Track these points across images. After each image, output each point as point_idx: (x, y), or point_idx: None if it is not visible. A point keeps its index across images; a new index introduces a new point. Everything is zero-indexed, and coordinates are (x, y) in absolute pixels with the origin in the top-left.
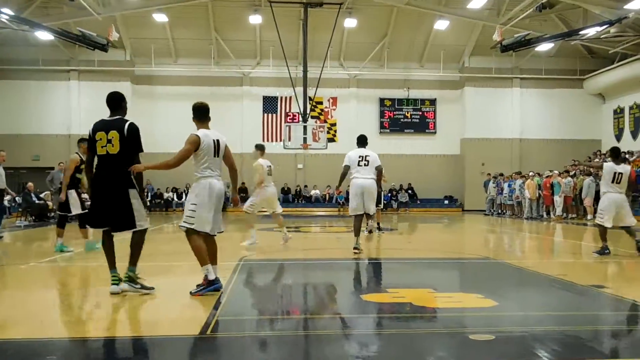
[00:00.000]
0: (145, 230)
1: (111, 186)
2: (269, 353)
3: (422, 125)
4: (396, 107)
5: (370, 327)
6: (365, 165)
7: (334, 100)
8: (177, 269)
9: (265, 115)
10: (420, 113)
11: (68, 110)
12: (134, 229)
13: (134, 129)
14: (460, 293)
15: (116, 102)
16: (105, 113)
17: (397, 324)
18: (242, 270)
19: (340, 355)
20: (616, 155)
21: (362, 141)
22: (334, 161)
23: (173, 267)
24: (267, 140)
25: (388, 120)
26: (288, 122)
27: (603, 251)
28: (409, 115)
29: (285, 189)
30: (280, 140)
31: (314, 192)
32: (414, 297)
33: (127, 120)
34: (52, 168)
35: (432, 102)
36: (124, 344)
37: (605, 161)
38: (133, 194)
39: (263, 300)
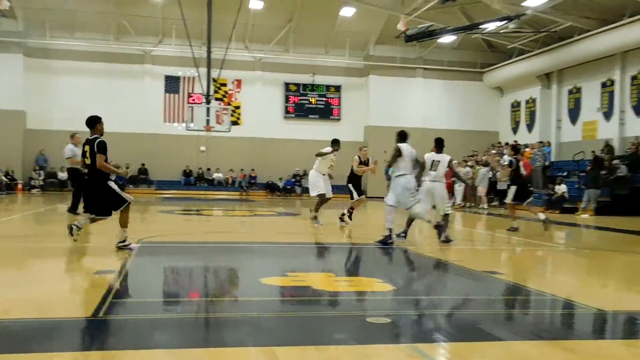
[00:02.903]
0: None
1: None
2: (166, 336)
3: (327, 112)
4: (301, 92)
5: (269, 310)
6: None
7: (239, 83)
8: (72, 250)
9: (167, 95)
10: (325, 99)
11: None
12: None
13: None
14: (360, 277)
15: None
16: None
17: (296, 307)
18: (140, 252)
19: (238, 339)
20: (439, 145)
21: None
22: (238, 144)
23: (68, 248)
24: (169, 121)
25: (293, 105)
26: (191, 103)
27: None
28: (313, 101)
29: (187, 171)
30: (183, 122)
31: (217, 175)
32: (314, 281)
33: None
34: None
35: (337, 88)
36: (12, 326)
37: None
38: None
39: (160, 283)
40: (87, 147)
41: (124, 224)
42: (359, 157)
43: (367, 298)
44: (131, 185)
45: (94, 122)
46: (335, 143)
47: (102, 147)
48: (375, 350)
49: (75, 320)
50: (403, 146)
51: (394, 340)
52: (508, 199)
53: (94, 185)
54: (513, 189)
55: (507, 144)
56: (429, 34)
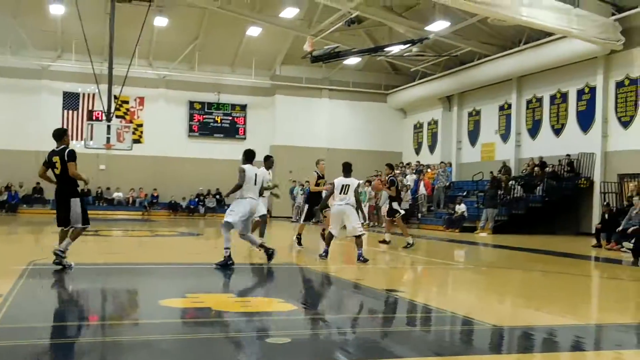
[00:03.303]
0: None
1: None
2: None
3: (233, 131)
4: (206, 110)
5: (167, 332)
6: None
7: (141, 100)
8: None
9: (66, 112)
10: (231, 118)
11: None
12: None
13: None
14: (261, 297)
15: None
16: None
17: (195, 329)
18: (30, 274)
19: None
20: (347, 170)
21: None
22: (140, 163)
23: None
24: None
25: (198, 123)
26: (90, 120)
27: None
28: (219, 119)
29: (85, 190)
30: (82, 139)
31: (117, 195)
32: (214, 301)
33: None
34: None
35: (243, 107)
36: None
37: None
38: None
39: (53, 307)
40: (56, 158)
41: (73, 238)
42: (317, 172)
43: (267, 318)
44: (25, 205)
45: (61, 134)
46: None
47: (73, 156)
48: None
49: None
50: (247, 167)
51: (293, 359)
52: (389, 215)
53: (64, 196)
54: (395, 205)
55: (408, 164)
56: (335, 55)
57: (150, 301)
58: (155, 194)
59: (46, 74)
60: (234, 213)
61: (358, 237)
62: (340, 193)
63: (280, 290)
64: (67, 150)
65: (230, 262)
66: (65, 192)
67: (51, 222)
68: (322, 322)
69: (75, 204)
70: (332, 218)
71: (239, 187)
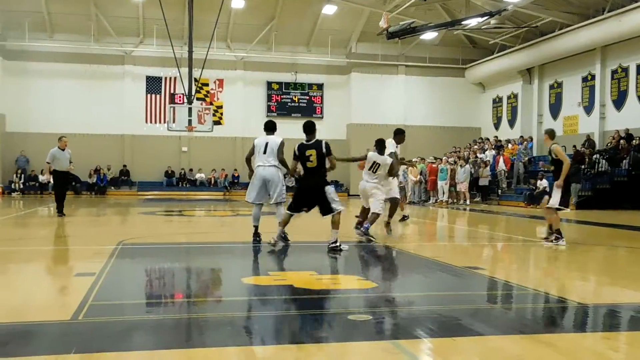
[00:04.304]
0: None
1: None
2: (146, 337)
3: (310, 110)
4: (284, 90)
5: (250, 309)
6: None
7: (221, 82)
8: (52, 253)
9: (149, 95)
10: (308, 97)
11: None
12: None
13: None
14: (341, 275)
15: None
16: None
17: (278, 306)
18: (120, 254)
19: (219, 339)
20: (380, 147)
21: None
22: (220, 144)
23: (48, 251)
24: (150, 122)
25: (275, 103)
26: (172, 103)
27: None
28: (296, 99)
29: (169, 172)
30: (164, 122)
31: (199, 176)
32: (296, 279)
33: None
34: None
35: (320, 86)
36: None
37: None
38: None
39: (141, 285)
40: (311, 151)
41: (338, 225)
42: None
43: (348, 296)
44: (112, 187)
45: (313, 128)
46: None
47: (330, 148)
48: (357, 347)
49: (54, 324)
50: (256, 139)
51: (375, 337)
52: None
53: (320, 185)
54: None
55: (487, 139)
56: (411, 31)
57: (234, 279)
58: (236, 174)
59: (129, 60)
60: (248, 190)
61: (374, 214)
62: (369, 169)
63: (361, 267)
64: (324, 142)
65: (258, 239)
66: (321, 183)
67: (137, 204)
68: (403, 299)
69: (331, 190)
70: (360, 194)
71: (247, 160)
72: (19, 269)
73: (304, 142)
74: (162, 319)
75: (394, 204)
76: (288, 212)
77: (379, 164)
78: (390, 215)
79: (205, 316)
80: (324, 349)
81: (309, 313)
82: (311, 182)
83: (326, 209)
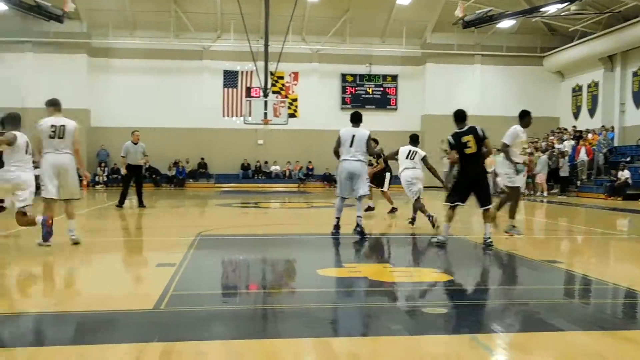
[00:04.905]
0: None
1: None
2: (224, 327)
3: (384, 102)
4: (358, 82)
5: (325, 301)
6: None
7: (296, 75)
8: (135, 244)
9: (226, 89)
10: (382, 89)
11: (22, 83)
12: None
13: None
14: (416, 268)
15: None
16: (60, 85)
17: (352, 298)
18: (198, 245)
19: (294, 330)
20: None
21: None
22: (295, 137)
23: (130, 242)
24: (227, 116)
25: (350, 96)
26: (248, 97)
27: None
28: (370, 91)
29: (245, 164)
30: (241, 116)
31: (274, 168)
32: (370, 272)
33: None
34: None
35: (394, 78)
36: (75, 319)
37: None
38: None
39: (219, 276)
40: (467, 137)
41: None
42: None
43: (423, 288)
44: (191, 180)
45: (464, 117)
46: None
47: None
48: (433, 340)
49: (138, 313)
50: (342, 130)
51: (452, 330)
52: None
53: (483, 173)
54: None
55: (565, 129)
56: (488, 19)
57: (309, 270)
58: (310, 167)
59: (207, 55)
60: (337, 184)
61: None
62: (406, 158)
63: (436, 260)
64: (479, 127)
65: (337, 231)
66: (483, 170)
67: (214, 196)
68: (479, 293)
69: (488, 180)
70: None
71: (335, 152)
72: (103, 260)
73: (457, 130)
74: (239, 309)
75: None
76: (448, 204)
77: (416, 152)
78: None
79: (281, 307)
80: (400, 342)
81: (384, 305)
82: (473, 169)
83: (485, 200)
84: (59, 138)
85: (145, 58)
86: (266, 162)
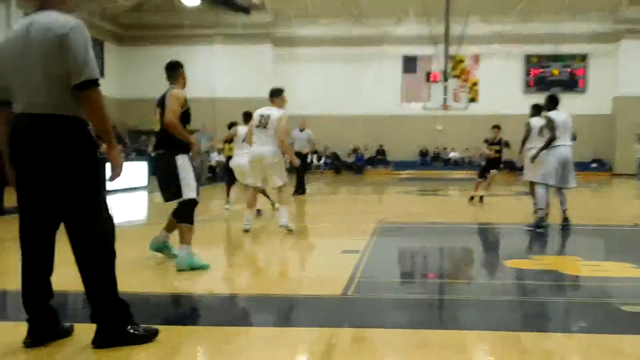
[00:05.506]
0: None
1: None
2: (407, 316)
3: (571, 83)
4: (543, 64)
5: (512, 293)
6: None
7: (476, 58)
8: (321, 230)
9: (405, 75)
10: (569, 70)
11: (212, 74)
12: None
13: None
14: (609, 262)
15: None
16: (247, 76)
17: (542, 292)
18: (380, 232)
19: (477, 321)
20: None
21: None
22: (474, 122)
23: (316, 229)
24: (406, 102)
25: (533, 78)
26: (428, 82)
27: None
28: (557, 72)
29: (423, 151)
30: (420, 102)
31: (453, 155)
32: (560, 264)
33: None
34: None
35: (583, 57)
36: (270, 302)
37: None
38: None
39: (402, 263)
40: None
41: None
42: None
43: (620, 284)
44: (369, 167)
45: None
46: None
47: None
48: (633, 341)
49: (328, 298)
50: (552, 114)
51: None
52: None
53: None
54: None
55: None
56: None
57: (496, 262)
58: None
59: (387, 40)
60: (540, 169)
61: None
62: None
63: (629, 254)
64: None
65: (542, 225)
66: None
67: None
68: None
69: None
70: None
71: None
72: (295, 246)
73: None
74: (424, 298)
75: None
76: None
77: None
78: None
79: (467, 298)
80: (594, 340)
81: (577, 301)
82: None
83: None
84: (263, 127)
85: (327, 46)
86: (445, 149)
